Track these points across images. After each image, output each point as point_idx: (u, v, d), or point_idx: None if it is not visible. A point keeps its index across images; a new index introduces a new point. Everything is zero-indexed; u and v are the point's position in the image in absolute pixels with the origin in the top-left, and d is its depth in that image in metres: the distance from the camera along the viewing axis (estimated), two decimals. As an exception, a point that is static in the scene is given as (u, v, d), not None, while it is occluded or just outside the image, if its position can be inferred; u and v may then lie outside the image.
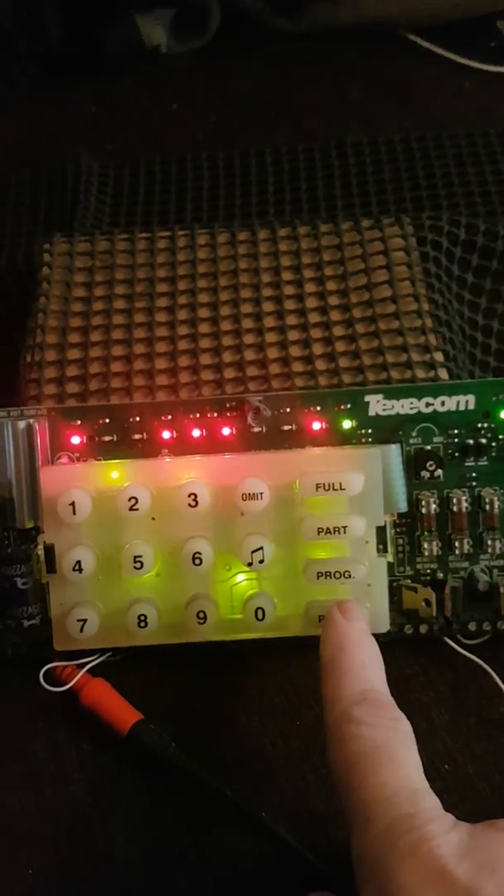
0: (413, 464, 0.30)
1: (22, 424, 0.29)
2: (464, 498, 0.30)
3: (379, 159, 0.46)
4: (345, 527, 0.28)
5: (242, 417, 0.30)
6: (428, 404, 0.30)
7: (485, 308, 0.37)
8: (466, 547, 0.30)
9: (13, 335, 0.36)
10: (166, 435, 0.30)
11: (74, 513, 0.28)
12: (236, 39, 0.56)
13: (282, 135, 0.49)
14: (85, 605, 0.29)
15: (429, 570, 0.30)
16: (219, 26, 0.56)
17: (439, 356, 0.32)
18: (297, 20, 0.56)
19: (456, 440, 0.30)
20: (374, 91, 0.53)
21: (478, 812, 0.26)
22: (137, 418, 0.30)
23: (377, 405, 0.30)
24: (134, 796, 0.28)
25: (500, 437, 0.30)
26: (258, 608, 0.28)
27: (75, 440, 0.30)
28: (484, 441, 0.30)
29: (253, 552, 0.28)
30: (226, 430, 0.30)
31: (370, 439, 0.30)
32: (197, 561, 0.28)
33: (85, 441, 0.30)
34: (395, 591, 0.30)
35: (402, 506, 0.29)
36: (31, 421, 0.29)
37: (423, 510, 0.30)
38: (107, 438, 0.30)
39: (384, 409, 0.30)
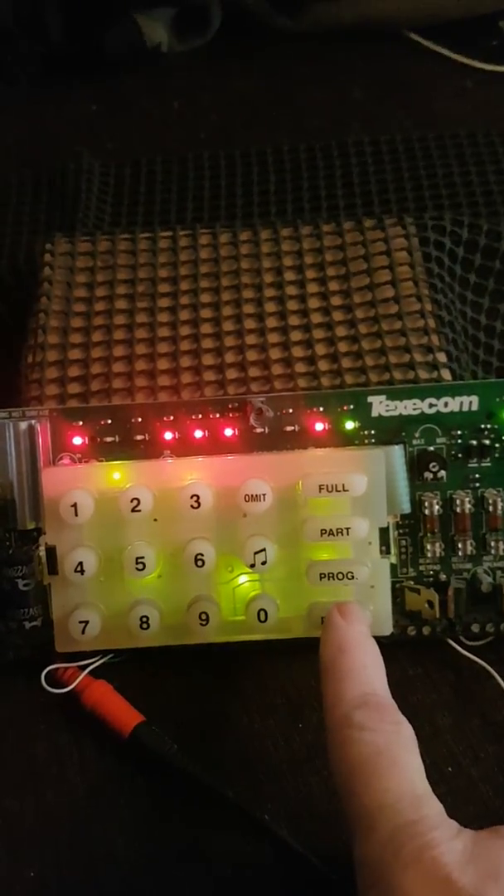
0: (416, 465, 0.29)
1: (23, 425, 0.29)
2: (467, 499, 0.29)
3: (381, 159, 0.46)
4: (348, 528, 0.28)
5: (245, 418, 0.30)
6: (431, 405, 0.29)
7: (488, 308, 0.37)
8: (469, 548, 0.30)
9: (14, 335, 0.36)
10: (168, 436, 0.30)
11: (76, 514, 0.28)
12: (237, 39, 0.56)
13: (283, 134, 0.49)
14: (87, 607, 0.28)
15: (432, 572, 0.30)
16: (220, 26, 0.56)
17: (442, 357, 0.32)
18: (299, 19, 0.56)
19: (459, 441, 0.30)
20: (376, 90, 0.53)
21: (481, 814, 0.27)
22: (139, 419, 0.30)
23: (380, 406, 0.30)
24: (135, 798, 0.28)
25: (504, 438, 0.30)
26: (261, 610, 0.28)
27: (77, 441, 0.30)
28: (487, 442, 0.30)
29: (255, 554, 0.28)
30: (228, 431, 0.30)
31: (373, 440, 0.30)
32: (199, 562, 0.28)
33: (87, 442, 0.30)
34: (397, 593, 0.30)
35: (406, 507, 0.29)
36: (33, 422, 0.29)
37: (427, 511, 0.29)
38: (109, 439, 0.30)
39: (387, 410, 0.30)
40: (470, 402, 0.29)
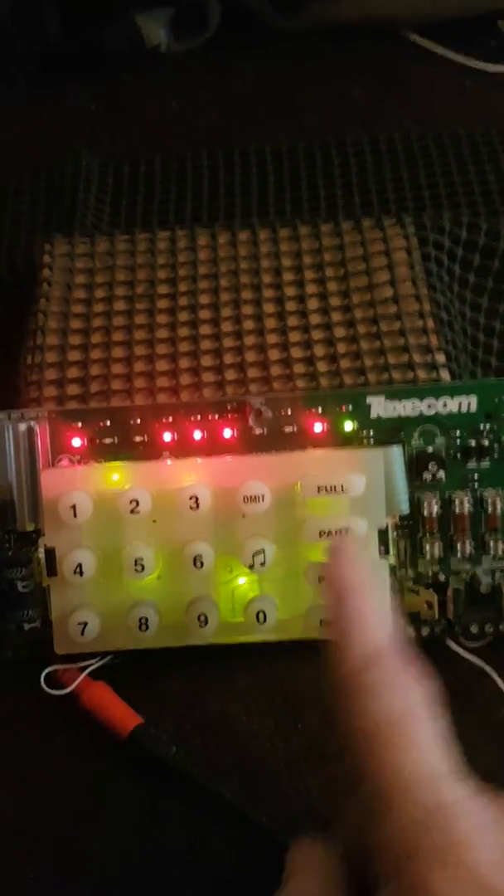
0: (415, 465, 0.29)
1: (23, 427, 0.29)
2: (466, 499, 0.29)
3: (380, 158, 0.46)
4: (346, 529, 0.28)
5: (244, 419, 0.30)
6: (430, 405, 0.29)
7: (487, 308, 0.37)
8: (468, 549, 0.30)
9: (13, 337, 0.36)
10: (167, 437, 0.30)
11: (75, 515, 0.28)
12: (236, 38, 0.55)
13: (282, 134, 0.49)
14: (86, 608, 0.29)
15: (431, 573, 0.30)
16: (218, 24, 0.56)
17: (441, 357, 0.32)
18: (298, 18, 0.56)
19: (458, 441, 0.30)
20: (375, 90, 0.53)
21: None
22: (138, 420, 0.30)
23: (379, 406, 0.30)
24: (134, 799, 0.28)
25: (503, 438, 0.30)
26: (259, 611, 0.28)
27: (76, 442, 0.30)
28: (486, 442, 0.30)
29: (254, 554, 0.28)
30: (227, 432, 0.30)
31: (372, 441, 0.30)
32: (198, 563, 0.28)
33: (86, 443, 0.30)
34: (397, 594, 0.30)
35: (404, 507, 0.29)
36: (32, 423, 0.29)
37: (425, 512, 0.29)
38: (108, 441, 0.30)
39: (386, 411, 0.30)
40: (469, 403, 0.29)
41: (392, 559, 0.29)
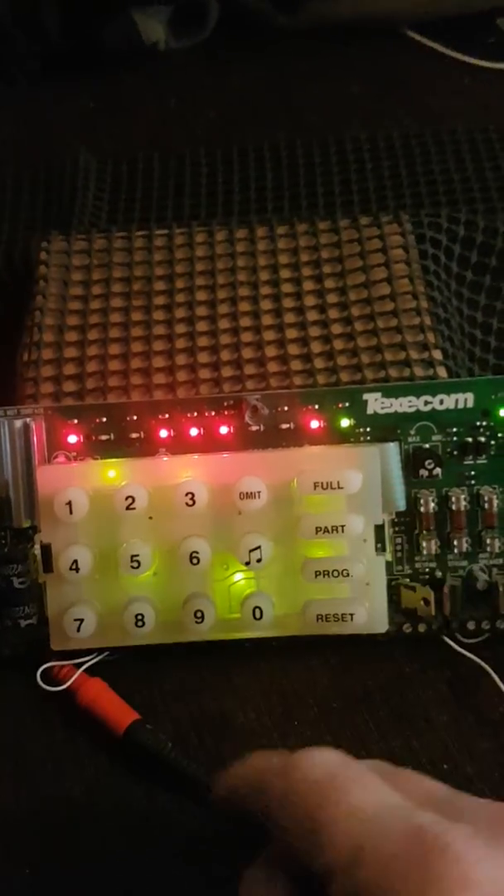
0: (412, 462, 0.29)
1: (19, 423, 0.29)
2: (462, 496, 0.29)
3: (378, 156, 0.46)
4: (343, 525, 0.28)
5: (240, 416, 0.30)
6: (427, 402, 0.29)
7: (484, 305, 0.37)
8: (465, 546, 0.30)
9: (10, 333, 0.36)
10: (164, 434, 0.30)
11: (71, 512, 0.28)
12: (235, 36, 0.55)
13: (281, 131, 0.49)
14: (82, 605, 0.28)
15: (427, 569, 0.30)
16: (217, 22, 0.56)
17: (438, 354, 0.32)
18: (296, 16, 0.56)
19: (455, 438, 0.30)
20: (373, 87, 0.53)
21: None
22: (135, 417, 0.30)
23: (375, 403, 0.30)
24: (130, 796, 0.28)
25: (499, 435, 0.30)
26: (256, 607, 0.28)
27: (72, 439, 0.30)
28: (483, 439, 0.30)
29: (251, 551, 0.28)
30: (223, 429, 0.30)
31: (368, 438, 0.30)
32: (194, 560, 0.28)
33: (82, 440, 0.30)
34: (393, 590, 0.30)
35: (401, 504, 0.29)
36: (28, 420, 0.29)
37: (422, 509, 0.29)
38: (104, 437, 0.30)
39: (382, 408, 0.30)
40: (465, 400, 0.29)
41: (389, 556, 0.29)
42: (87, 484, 0.28)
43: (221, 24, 0.56)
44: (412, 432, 0.30)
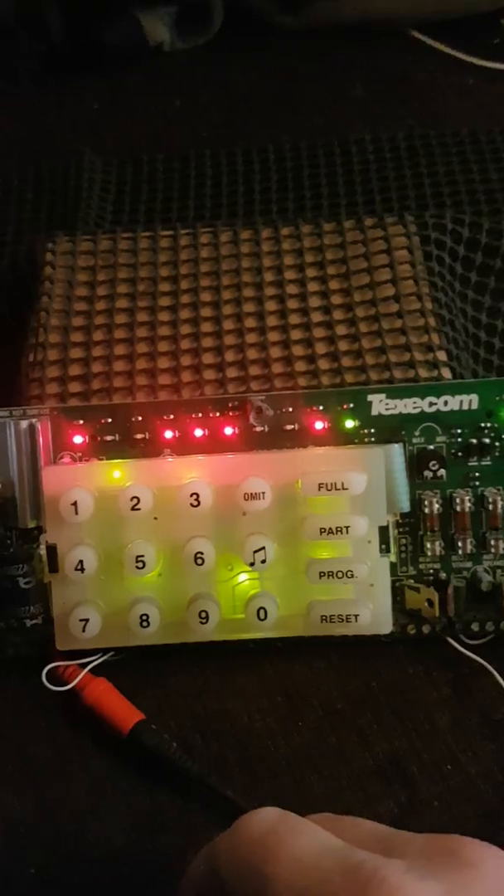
0: (416, 463, 0.30)
1: (24, 424, 0.29)
2: (467, 498, 0.29)
3: (382, 157, 0.46)
4: (347, 526, 0.28)
5: (245, 417, 0.30)
6: (431, 404, 0.29)
7: (488, 307, 0.37)
8: (469, 547, 0.30)
9: (16, 334, 0.36)
10: (168, 434, 0.30)
11: (77, 512, 0.28)
12: (239, 37, 0.55)
13: (285, 132, 0.49)
14: (87, 605, 0.29)
15: (431, 570, 0.30)
16: (221, 23, 0.56)
17: (442, 355, 0.32)
18: (300, 17, 0.56)
19: (459, 440, 0.30)
20: (378, 88, 0.53)
21: (479, 813, 0.27)
22: (139, 418, 0.30)
23: (380, 405, 0.30)
24: (135, 796, 0.28)
25: (504, 436, 0.30)
26: (260, 608, 0.28)
27: (77, 440, 0.30)
28: (487, 441, 0.30)
29: (255, 552, 0.28)
30: (228, 430, 0.30)
31: (373, 439, 0.30)
32: (199, 561, 0.28)
33: (87, 440, 0.30)
34: (397, 592, 0.30)
35: (405, 505, 0.29)
36: (34, 420, 0.29)
37: (426, 510, 0.29)
38: (109, 438, 0.30)
39: (387, 409, 0.30)
40: (470, 401, 0.29)
41: (393, 557, 0.29)
42: (92, 484, 0.29)
43: (226, 25, 0.56)
44: (416, 433, 0.30)
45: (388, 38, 0.55)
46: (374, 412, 0.30)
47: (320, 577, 0.28)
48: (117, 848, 0.27)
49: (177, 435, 0.30)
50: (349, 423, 0.30)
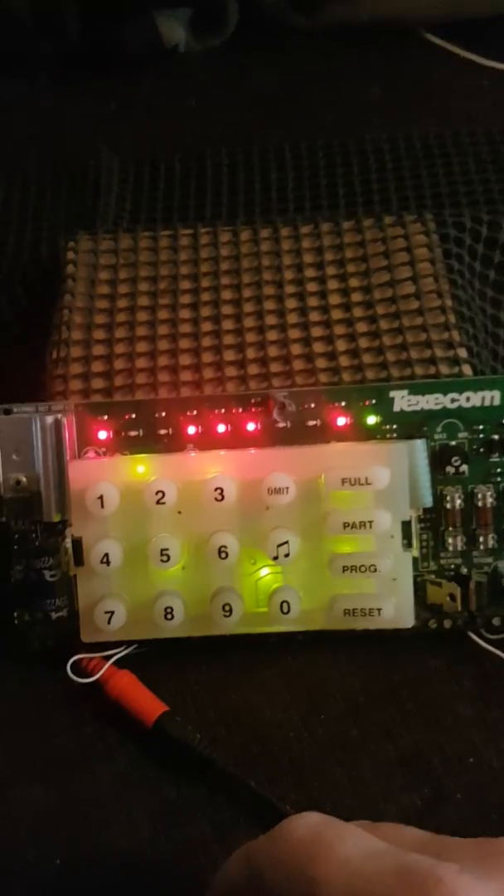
0: (438, 459, 0.30)
1: (49, 419, 0.29)
2: (489, 493, 0.30)
3: (398, 157, 0.47)
4: (370, 521, 0.28)
5: (267, 413, 0.30)
6: (453, 400, 0.30)
7: (507, 305, 0.37)
8: (491, 542, 0.30)
9: (38, 332, 0.36)
10: (192, 430, 0.30)
11: (102, 506, 0.28)
12: (254, 37, 0.56)
13: (300, 132, 0.49)
14: (112, 598, 0.29)
15: (453, 565, 0.30)
16: (237, 24, 0.56)
17: (463, 352, 0.33)
18: (316, 18, 0.56)
19: (481, 435, 0.30)
20: (392, 89, 0.53)
21: (502, 805, 0.27)
22: (163, 413, 0.30)
23: (402, 401, 0.30)
24: (159, 787, 0.28)
25: (525, 432, 0.30)
26: (283, 601, 0.29)
27: (102, 435, 0.30)
28: (508, 437, 0.30)
29: (279, 546, 0.28)
30: (251, 426, 0.30)
31: (395, 435, 0.30)
32: (223, 554, 0.28)
33: (111, 436, 0.30)
34: (419, 586, 0.30)
35: (428, 501, 0.29)
36: (59, 416, 0.29)
37: (448, 505, 0.30)
38: (133, 433, 0.30)
39: (409, 405, 0.30)
40: (492, 397, 0.30)
41: (415, 552, 0.29)
42: (117, 479, 0.29)
43: (241, 26, 0.56)
44: (439, 429, 0.30)
45: (403, 39, 0.56)
46: (397, 408, 0.30)
47: (343, 571, 0.29)
48: (142, 839, 0.27)
49: (200, 430, 0.30)
50: (371, 420, 0.30)
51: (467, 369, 0.32)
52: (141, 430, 0.30)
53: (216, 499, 0.28)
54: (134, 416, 0.30)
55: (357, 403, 0.30)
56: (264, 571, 0.29)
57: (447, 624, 0.30)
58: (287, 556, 0.28)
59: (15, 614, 0.30)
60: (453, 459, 0.30)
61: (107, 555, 0.28)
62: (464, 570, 0.30)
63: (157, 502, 0.28)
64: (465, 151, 0.46)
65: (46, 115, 0.53)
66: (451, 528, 0.30)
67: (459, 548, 0.30)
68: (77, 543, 0.29)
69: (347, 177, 0.46)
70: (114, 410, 0.30)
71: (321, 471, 0.29)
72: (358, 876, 0.17)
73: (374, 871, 0.17)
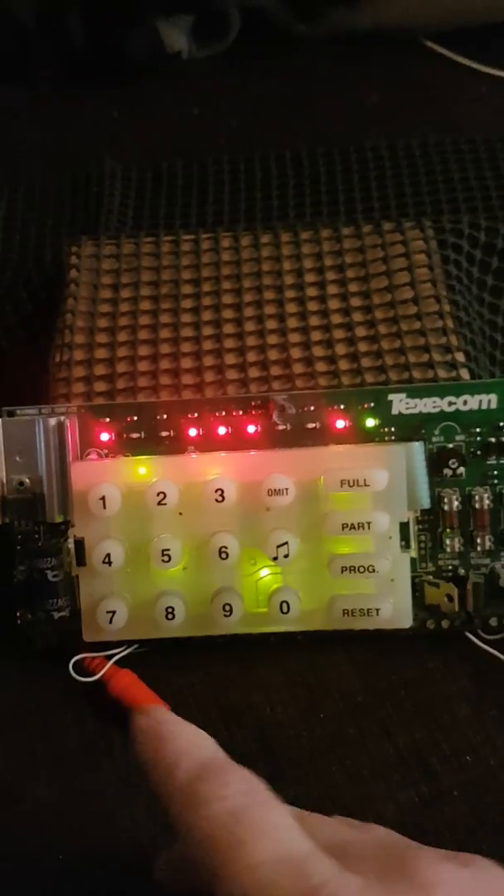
0: (436, 461, 0.30)
1: (53, 421, 0.30)
2: (486, 495, 0.30)
3: (398, 163, 0.47)
4: (369, 522, 0.29)
5: (267, 415, 0.30)
6: (450, 403, 0.30)
7: (504, 310, 0.37)
8: (488, 543, 0.30)
9: (42, 335, 0.37)
10: (193, 432, 0.31)
11: (104, 507, 0.29)
12: (256, 45, 0.56)
13: (301, 139, 0.50)
14: (114, 598, 0.29)
15: (451, 566, 0.30)
16: (238, 32, 0.57)
17: (461, 356, 0.33)
18: (316, 25, 0.57)
19: (478, 438, 0.30)
20: (393, 96, 0.53)
21: (499, 802, 0.27)
22: (165, 416, 0.30)
23: (400, 404, 0.30)
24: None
25: (522, 435, 0.30)
26: (283, 602, 0.29)
27: (104, 437, 0.31)
28: (505, 439, 0.30)
29: (278, 547, 0.29)
30: (251, 428, 0.30)
31: (393, 437, 0.30)
32: (223, 555, 0.29)
33: (113, 438, 0.31)
34: (417, 587, 0.30)
35: (425, 503, 0.30)
36: (62, 418, 0.30)
37: (446, 507, 0.30)
38: (135, 435, 0.31)
39: (407, 408, 0.30)
40: (489, 401, 0.30)
41: (413, 553, 0.30)
42: (119, 480, 0.29)
43: (243, 34, 0.57)
44: (436, 432, 0.30)
45: (403, 46, 0.56)
46: (395, 411, 0.30)
47: (342, 571, 0.29)
48: (143, 835, 0.27)
49: (201, 433, 0.30)
50: (370, 422, 0.30)
51: (465, 373, 0.33)
52: (142, 432, 0.31)
53: (217, 500, 0.29)
54: (136, 418, 0.31)
55: (356, 406, 0.30)
56: (264, 572, 0.30)
57: (445, 624, 0.30)
58: (287, 556, 0.29)
59: (18, 614, 0.30)
60: (451, 462, 0.30)
61: (109, 555, 0.29)
62: (461, 571, 0.30)
63: (159, 503, 0.29)
64: (463, 158, 0.47)
65: (50, 122, 0.53)
66: (448, 530, 0.30)
67: (457, 549, 0.30)
68: (79, 544, 0.29)
69: (347, 183, 0.46)
70: (116, 413, 0.31)
71: (320, 472, 0.29)
72: (260, 888, 0.17)
73: (278, 884, 0.17)
